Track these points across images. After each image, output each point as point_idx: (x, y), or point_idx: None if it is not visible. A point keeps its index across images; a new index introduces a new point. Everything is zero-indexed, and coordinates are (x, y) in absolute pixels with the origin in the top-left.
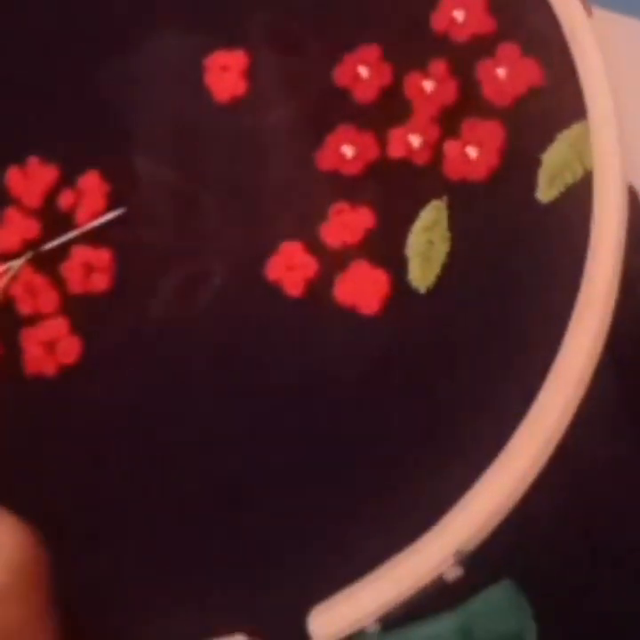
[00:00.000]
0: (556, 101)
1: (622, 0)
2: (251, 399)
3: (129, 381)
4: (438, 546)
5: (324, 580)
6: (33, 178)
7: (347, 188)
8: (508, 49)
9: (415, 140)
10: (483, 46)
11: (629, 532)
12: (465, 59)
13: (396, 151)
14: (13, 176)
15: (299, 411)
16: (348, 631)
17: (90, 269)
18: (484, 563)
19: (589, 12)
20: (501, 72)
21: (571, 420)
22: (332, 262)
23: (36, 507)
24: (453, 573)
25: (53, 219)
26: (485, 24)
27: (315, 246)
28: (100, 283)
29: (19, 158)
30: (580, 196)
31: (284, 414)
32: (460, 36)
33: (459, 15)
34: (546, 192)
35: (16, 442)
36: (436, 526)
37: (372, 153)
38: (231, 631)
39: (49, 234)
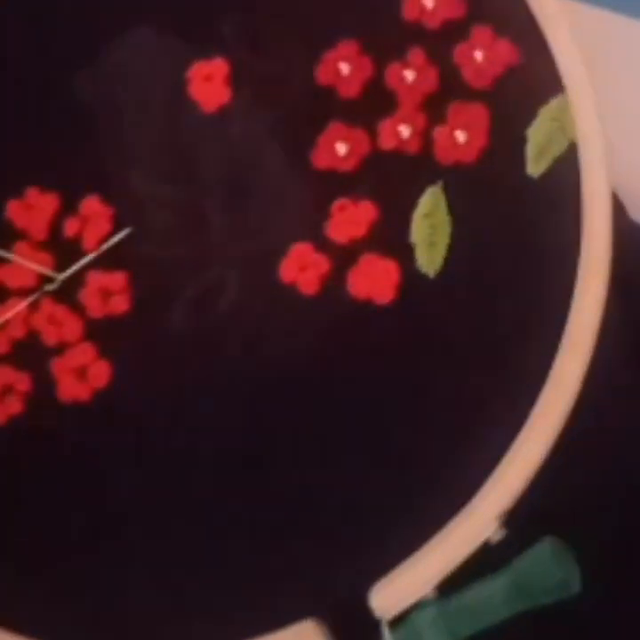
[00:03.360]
0: (534, 78)
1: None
2: (279, 400)
3: (160, 396)
4: (482, 511)
5: (379, 557)
6: (35, 209)
7: (345, 184)
8: (481, 31)
9: (404, 130)
10: (456, 31)
11: None
12: (440, 45)
13: (387, 143)
14: (15, 209)
15: (326, 405)
16: (409, 602)
17: (107, 293)
18: (524, 523)
19: None
20: (478, 55)
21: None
22: (343, 258)
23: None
24: (498, 536)
25: (62, 248)
26: (455, 8)
27: (323, 244)
28: (120, 304)
29: (16, 191)
30: (568, 166)
31: (315, 409)
32: (433, 23)
33: (428, 2)
34: (535, 166)
35: (59, 467)
36: (478, 494)
37: (365, 147)
38: (297, 618)
39: (61, 263)
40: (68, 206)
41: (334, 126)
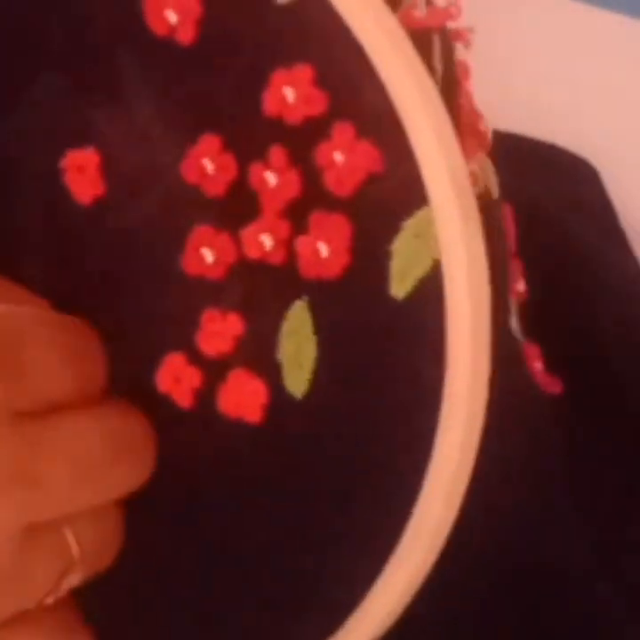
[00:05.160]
0: (397, 186)
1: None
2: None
3: None
4: None
5: None
6: None
7: (214, 293)
8: (342, 130)
9: (267, 240)
10: (318, 128)
11: None
12: (302, 144)
13: (251, 252)
14: None
15: (187, 524)
16: None
17: None
18: None
19: None
20: (339, 157)
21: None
22: (213, 372)
23: None
24: None
25: None
26: (316, 102)
27: (195, 356)
28: None
29: None
30: (432, 289)
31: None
32: (294, 118)
33: (289, 94)
34: (399, 287)
35: None
36: None
37: (231, 255)
38: None
39: None
40: None
41: (200, 230)
